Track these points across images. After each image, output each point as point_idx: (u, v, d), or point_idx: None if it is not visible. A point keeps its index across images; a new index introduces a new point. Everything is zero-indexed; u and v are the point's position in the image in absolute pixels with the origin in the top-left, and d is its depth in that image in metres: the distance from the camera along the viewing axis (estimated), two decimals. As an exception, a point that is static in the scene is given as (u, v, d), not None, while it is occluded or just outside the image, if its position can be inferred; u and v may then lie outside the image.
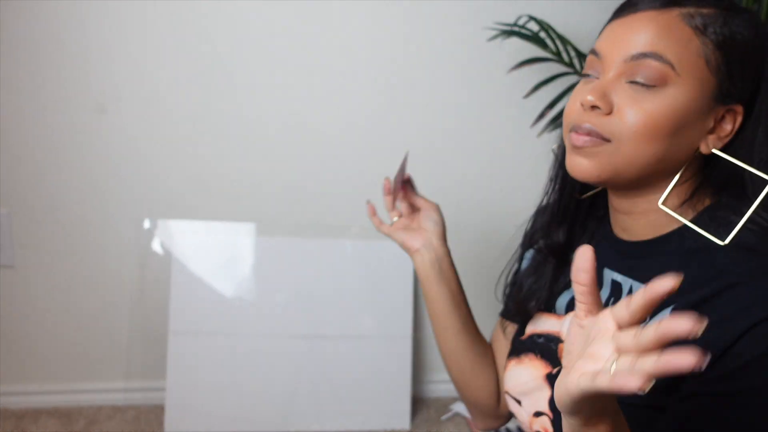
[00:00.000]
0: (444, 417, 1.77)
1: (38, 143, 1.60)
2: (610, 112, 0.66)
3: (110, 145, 1.62)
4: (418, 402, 1.81)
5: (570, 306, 0.79)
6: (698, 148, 0.68)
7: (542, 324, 0.83)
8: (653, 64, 0.65)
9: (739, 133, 0.69)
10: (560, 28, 1.57)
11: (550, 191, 0.84)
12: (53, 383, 1.75)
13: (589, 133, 0.67)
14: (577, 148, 0.68)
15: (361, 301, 1.71)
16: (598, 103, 0.66)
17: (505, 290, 0.95)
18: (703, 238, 0.66)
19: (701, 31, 0.65)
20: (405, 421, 1.72)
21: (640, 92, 0.65)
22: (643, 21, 0.66)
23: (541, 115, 1.51)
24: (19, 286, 1.68)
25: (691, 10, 0.66)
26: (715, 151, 0.68)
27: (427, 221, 0.96)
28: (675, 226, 0.70)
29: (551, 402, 0.75)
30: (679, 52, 0.65)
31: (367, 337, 1.71)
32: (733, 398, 0.61)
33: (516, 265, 0.94)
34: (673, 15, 0.66)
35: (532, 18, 1.52)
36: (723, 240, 0.64)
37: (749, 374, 0.60)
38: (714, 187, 0.70)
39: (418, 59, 1.66)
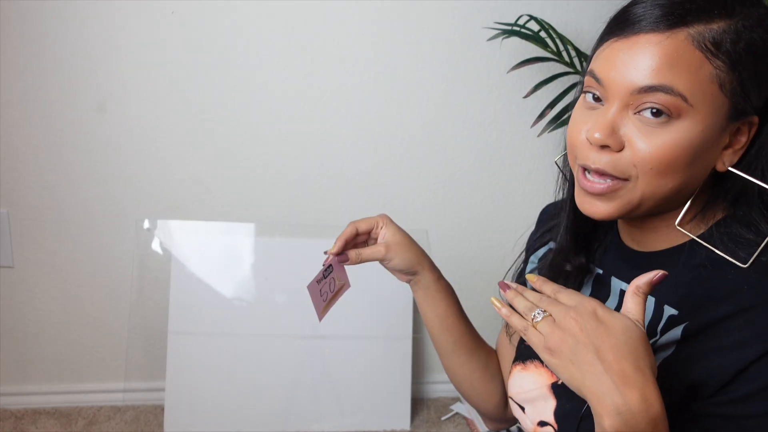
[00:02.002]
0: (444, 417, 1.77)
1: (38, 143, 1.60)
2: (620, 149, 0.63)
3: (110, 145, 1.62)
4: (418, 402, 1.81)
5: None
6: (714, 167, 0.65)
7: None
8: (663, 97, 0.60)
9: (755, 141, 0.65)
10: (560, 28, 1.57)
11: (565, 215, 0.80)
12: (53, 384, 1.75)
13: (602, 175, 0.64)
14: (592, 194, 0.66)
15: (361, 301, 1.70)
16: (607, 142, 0.62)
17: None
18: (715, 253, 0.64)
19: (713, 53, 0.60)
20: (405, 422, 1.72)
21: (651, 126, 0.61)
22: (647, 47, 0.60)
23: (541, 115, 1.51)
24: (19, 286, 1.68)
25: (700, 28, 0.60)
26: (731, 169, 0.65)
27: (394, 265, 0.89)
28: (686, 239, 0.69)
29: (556, 413, 0.74)
30: (690, 81, 0.60)
31: (367, 338, 1.71)
32: (742, 422, 0.60)
33: (521, 267, 0.93)
34: (681, 39, 0.60)
35: (532, 17, 1.52)
36: (744, 263, 0.62)
37: (760, 400, 0.59)
38: (727, 200, 0.68)
39: (418, 59, 1.65)
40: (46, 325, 1.71)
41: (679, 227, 0.68)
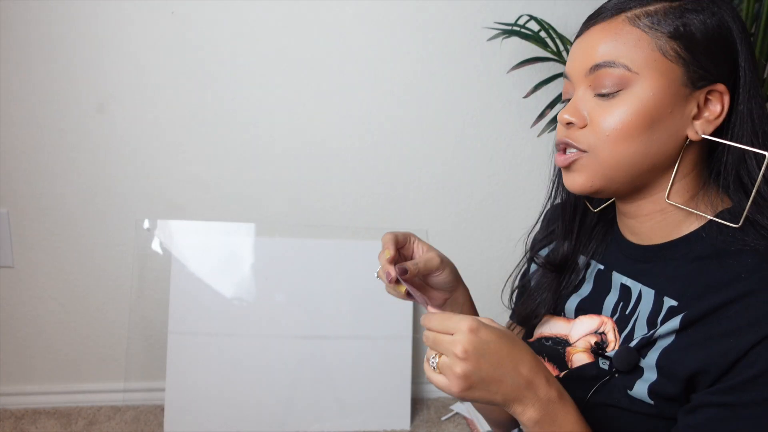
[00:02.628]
0: (444, 417, 1.77)
1: (38, 143, 1.60)
2: (584, 125, 0.69)
3: (110, 145, 1.62)
4: (418, 402, 1.81)
5: (579, 309, 0.79)
6: (687, 137, 0.68)
7: (551, 327, 0.82)
8: (609, 71, 0.67)
9: (733, 113, 0.67)
10: (560, 28, 1.57)
11: (550, 202, 0.84)
12: (53, 384, 1.75)
13: (567, 146, 0.71)
14: (565, 168, 0.72)
15: (361, 301, 1.70)
16: (571, 119, 0.69)
17: (512, 295, 0.93)
18: (716, 245, 0.66)
19: (650, 27, 0.66)
20: (405, 422, 1.72)
21: (606, 101, 0.68)
22: (593, 35, 0.69)
23: (541, 115, 1.51)
24: (19, 286, 1.68)
25: (637, 11, 0.67)
26: (704, 136, 0.67)
27: (443, 278, 0.83)
28: (684, 232, 0.70)
29: None
30: (630, 53, 0.66)
31: (366, 338, 1.70)
32: (742, 410, 0.60)
33: (525, 267, 0.93)
34: (619, 21, 0.67)
35: (532, 17, 1.52)
36: (754, 248, 0.64)
37: (759, 386, 0.59)
38: (725, 179, 0.69)
39: (418, 59, 1.66)
40: (46, 325, 1.71)
41: (669, 201, 0.70)
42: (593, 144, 0.68)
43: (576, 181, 0.71)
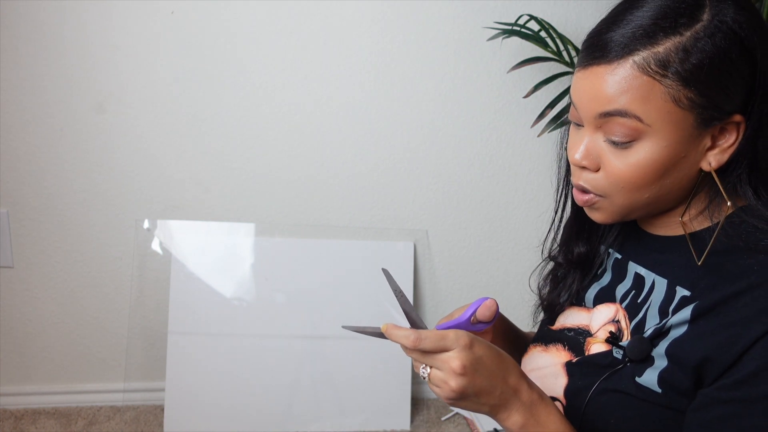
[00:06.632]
0: (444, 417, 1.77)
1: (38, 143, 1.60)
2: (597, 169, 0.69)
3: (110, 145, 1.62)
4: (418, 402, 1.81)
5: (597, 298, 0.81)
6: (701, 169, 0.67)
7: (573, 318, 0.84)
8: (621, 120, 0.64)
9: (750, 138, 0.65)
10: (560, 28, 1.57)
11: (559, 209, 0.84)
12: (53, 384, 1.75)
13: (584, 191, 0.71)
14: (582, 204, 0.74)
15: (361, 301, 1.70)
16: (583, 164, 0.69)
17: (540, 291, 0.92)
18: (731, 241, 0.66)
19: (661, 74, 0.61)
20: (405, 422, 1.72)
21: (618, 149, 0.66)
22: (599, 77, 0.64)
23: (541, 115, 1.51)
24: (19, 286, 1.68)
25: (644, 54, 0.62)
26: (713, 173, 0.66)
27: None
28: (700, 227, 0.71)
29: (567, 389, 0.76)
30: (641, 104, 0.62)
31: (366, 338, 1.70)
32: (751, 405, 0.60)
33: (549, 267, 0.93)
34: (627, 67, 0.62)
35: (532, 17, 1.52)
36: (698, 260, 0.67)
37: (765, 380, 0.59)
38: (735, 194, 0.69)
39: (418, 59, 1.65)
40: (46, 325, 1.71)
41: (682, 220, 0.71)
42: (608, 191, 0.69)
43: (596, 217, 0.73)
